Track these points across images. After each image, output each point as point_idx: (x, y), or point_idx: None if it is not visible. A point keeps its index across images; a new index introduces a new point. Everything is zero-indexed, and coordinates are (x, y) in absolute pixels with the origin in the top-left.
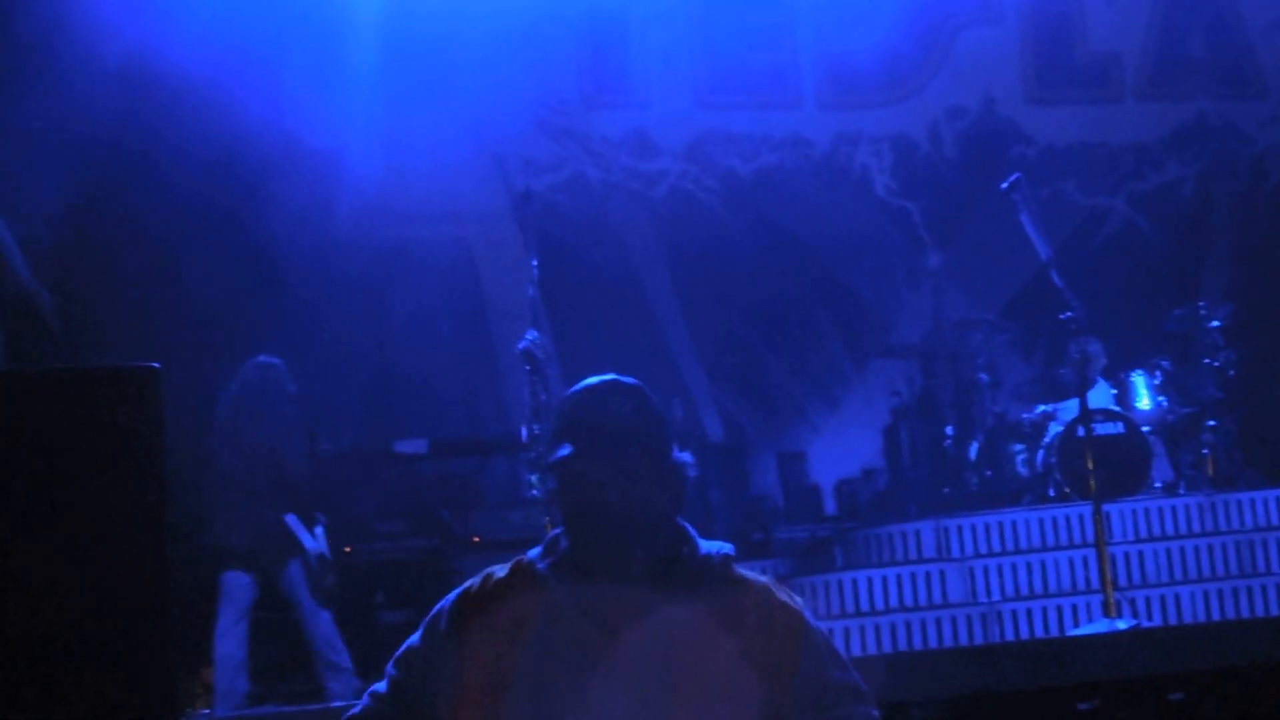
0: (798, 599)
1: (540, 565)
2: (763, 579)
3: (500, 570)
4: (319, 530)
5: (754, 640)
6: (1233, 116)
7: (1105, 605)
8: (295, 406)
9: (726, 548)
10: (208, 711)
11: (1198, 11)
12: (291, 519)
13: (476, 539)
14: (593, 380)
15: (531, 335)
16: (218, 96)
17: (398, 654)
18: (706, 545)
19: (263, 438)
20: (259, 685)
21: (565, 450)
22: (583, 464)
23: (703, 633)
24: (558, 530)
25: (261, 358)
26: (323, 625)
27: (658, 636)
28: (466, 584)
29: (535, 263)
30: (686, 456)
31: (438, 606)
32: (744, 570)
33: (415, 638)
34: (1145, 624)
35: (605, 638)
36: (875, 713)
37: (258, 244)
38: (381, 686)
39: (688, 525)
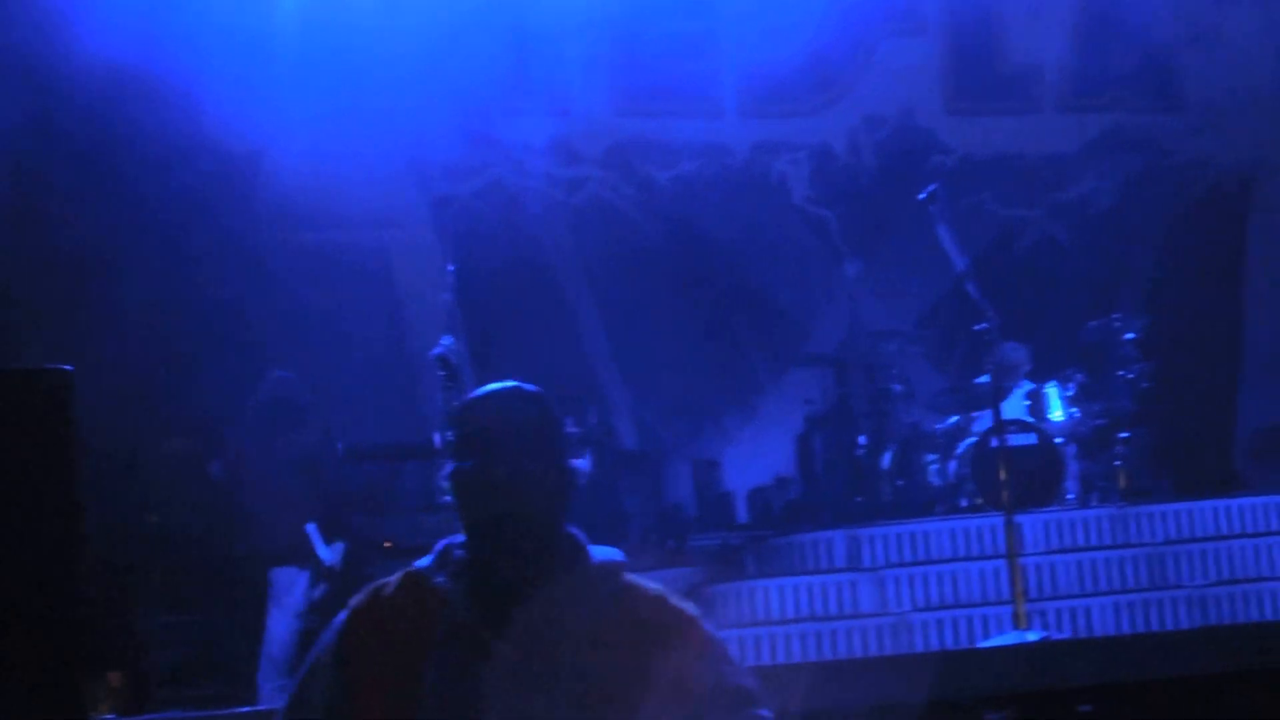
0: (690, 605)
1: (437, 579)
2: (656, 586)
3: (388, 584)
4: (338, 546)
5: (653, 648)
6: (1151, 129)
7: (1016, 617)
8: (318, 416)
9: (617, 555)
10: (113, 717)
11: (1117, 25)
12: (312, 528)
13: (388, 544)
14: (492, 387)
15: (446, 341)
16: (139, 100)
17: (293, 692)
18: (598, 553)
19: (298, 448)
20: (168, 690)
21: (464, 461)
22: (483, 474)
23: (604, 642)
24: (449, 541)
25: (279, 372)
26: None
27: (562, 647)
28: (353, 604)
29: (452, 268)
30: (582, 464)
31: (325, 635)
32: (636, 578)
33: (306, 674)
34: (1055, 636)
35: (510, 650)
36: (769, 714)
37: (176, 246)
38: None
39: (579, 533)
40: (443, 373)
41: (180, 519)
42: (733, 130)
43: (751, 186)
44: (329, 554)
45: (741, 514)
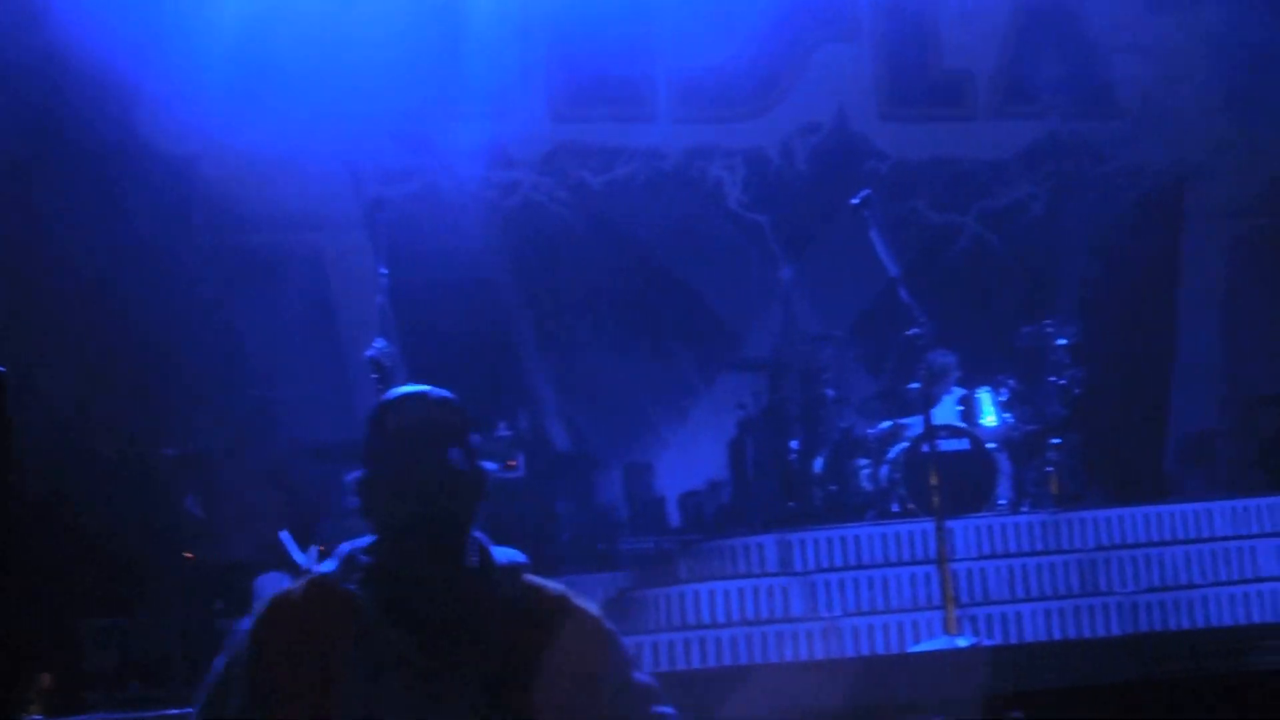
0: (592, 605)
1: (344, 584)
2: (558, 586)
3: (294, 592)
4: (313, 550)
5: (560, 647)
6: (1085, 136)
7: (946, 622)
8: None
9: (519, 556)
10: (41, 718)
11: (1051, 31)
12: (285, 535)
13: (322, 547)
14: (404, 390)
15: (379, 343)
16: (74, 103)
17: (202, 703)
18: (501, 555)
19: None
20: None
21: (378, 464)
22: (398, 478)
23: (513, 643)
24: (351, 546)
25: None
26: None
27: (472, 649)
28: (258, 612)
29: (385, 271)
30: (490, 465)
31: (231, 644)
32: (538, 579)
33: (216, 684)
34: (985, 642)
35: (422, 653)
36: (672, 711)
37: (110, 249)
38: None
39: (481, 535)
40: (375, 375)
41: (117, 521)
42: (667, 135)
43: (686, 191)
44: (305, 559)
45: (673, 518)
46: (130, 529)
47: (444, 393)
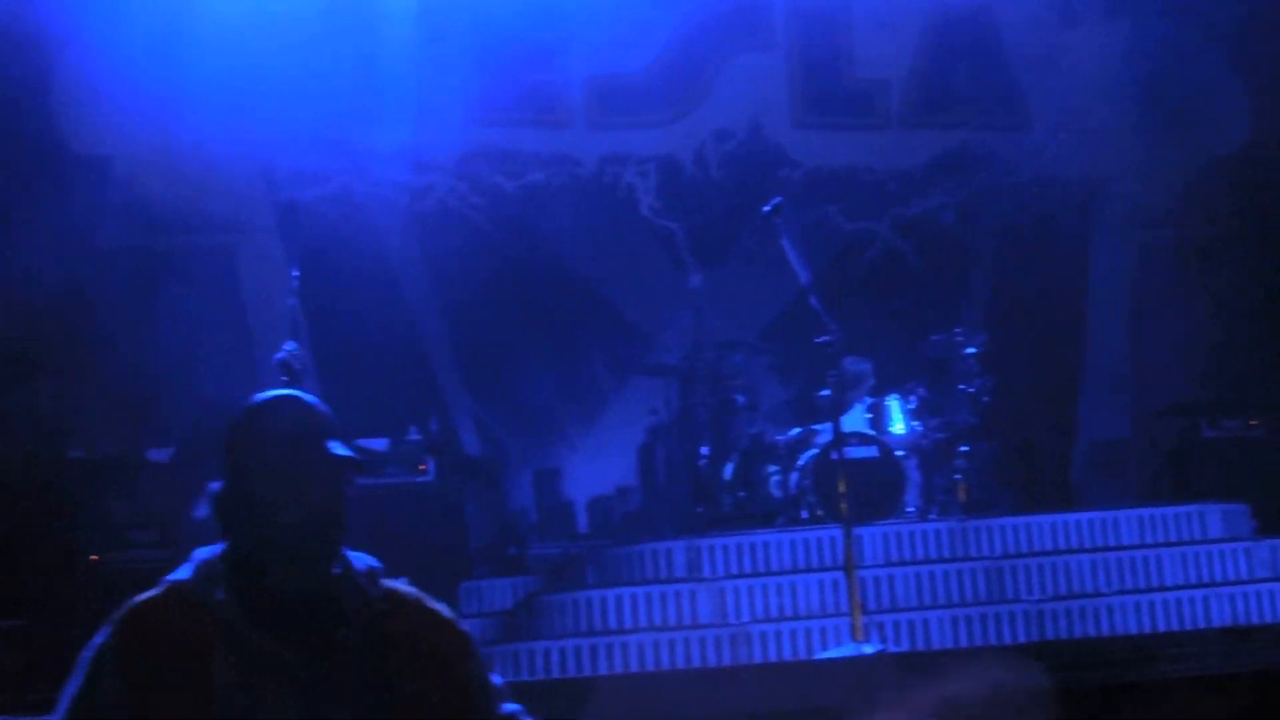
0: (444, 606)
1: (205, 590)
2: (412, 589)
3: (151, 599)
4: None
5: (420, 649)
6: (996, 146)
7: (853, 629)
8: None
9: (374, 561)
10: None
11: (964, 42)
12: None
13: None
14: (267, 395)
15: (290, 346)
16: None
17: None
18: (358, 560)
19: None
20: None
21: (242, 471)
22: (263, 484)
23: (374, 645)
24: (205, 552)
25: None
26: None
27: (337, 653)
28: (117, 618)
29: (296, 274)
30: (347, 451)
31: (89, 655)
32: (392, 582)
33: (79, 694)
34: (892, 649)
35: (290, 657)
36: (520, 708)
37: (20, 249)
38: None
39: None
40: (285, 378)
41: (21, 523)
42: (581, 141)
43: (599, 197)
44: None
45: (582, 523)
46: (35, 531)
47: (305, 398)
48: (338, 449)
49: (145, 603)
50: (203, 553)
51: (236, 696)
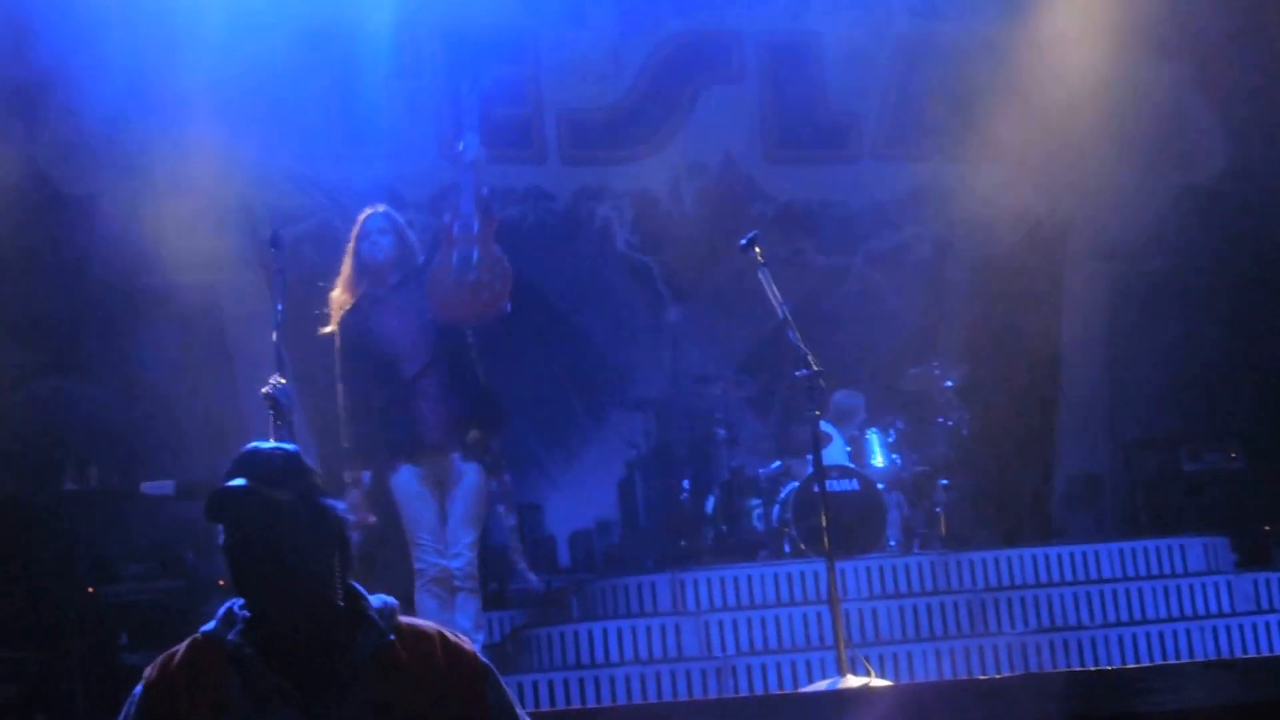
0: (465, 639)
1: (226, 639)
2: (433, 624)
3: (177, 652)
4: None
5: (446, 685)
6: (968, 179)
7: (838, 662)
8: None
9: (391, 600)
10: None
11: (935, 75)
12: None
13: (221, 581)
14: (248, 449)
15: (275, 380)
16: None
17: None
18: (374, 600)
19: None
20: None
21: (232, 533)
22: (248, 538)
23: (401, 684)
24: (231, 603)
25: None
26: None
27: (357, 690)
28: (147, 676)
29: (280, 308)
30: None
31: (126, 711)
32: (411, 619)
33: None
34: (877, 681)
35: (300, 693)
36: None
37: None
38: None
39: (355, 583)
40: (270, 412)
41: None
42: (555, 176)
43: (574, 232)
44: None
45: (564, 557)
46: (30, 563)
47: (282, 448)
48: (320, 509)
49: (169, 657)
50: (228, 604)
51: None
